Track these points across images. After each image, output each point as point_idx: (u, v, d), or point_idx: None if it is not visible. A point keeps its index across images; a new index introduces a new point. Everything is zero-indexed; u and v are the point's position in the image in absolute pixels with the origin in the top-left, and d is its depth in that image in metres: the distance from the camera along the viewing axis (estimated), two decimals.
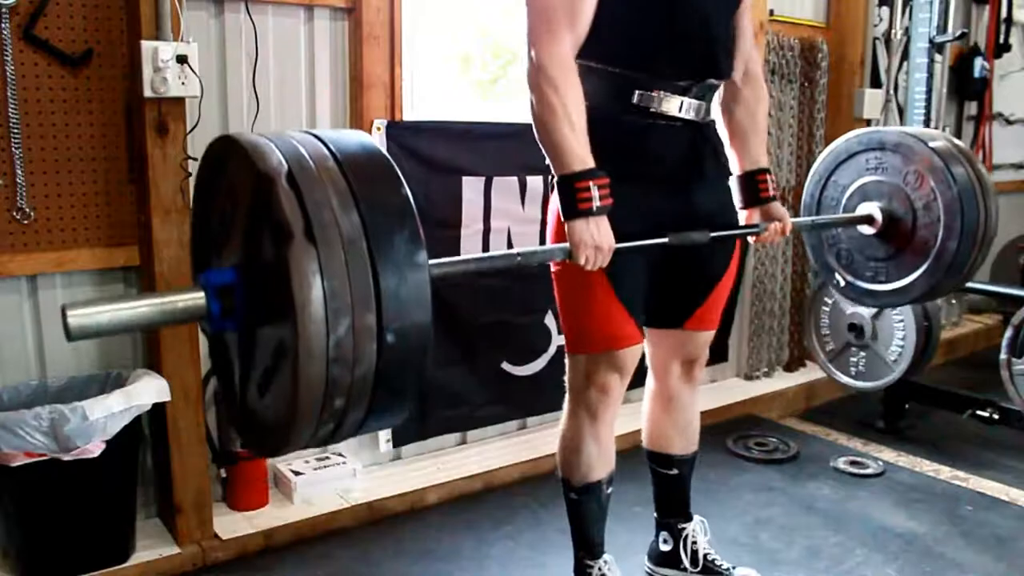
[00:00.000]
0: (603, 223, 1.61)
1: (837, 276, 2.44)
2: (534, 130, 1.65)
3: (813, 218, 2.31)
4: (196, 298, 1.19)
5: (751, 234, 1.95)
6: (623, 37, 1.69)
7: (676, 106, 1.75)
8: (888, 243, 2.31)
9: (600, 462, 1.94)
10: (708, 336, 2.03)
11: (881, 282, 2.36)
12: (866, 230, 2.31)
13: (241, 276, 1.21)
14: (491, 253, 1.59)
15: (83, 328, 1.10)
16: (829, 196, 2.41)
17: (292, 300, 1.07)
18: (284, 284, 1.08)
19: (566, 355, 1.91)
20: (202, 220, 1.37)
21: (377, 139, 2.51)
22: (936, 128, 3.86)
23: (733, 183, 1.99)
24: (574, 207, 1.60)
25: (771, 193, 1.99)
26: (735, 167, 1.99)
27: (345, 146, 1.19)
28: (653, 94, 1.73)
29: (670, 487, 2.13)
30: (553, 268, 1.86)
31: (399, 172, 1.19)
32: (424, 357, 1.19)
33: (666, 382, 2.07)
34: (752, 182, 1.98)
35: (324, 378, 1.10)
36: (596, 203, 1.60)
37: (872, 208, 2.30)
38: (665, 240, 1.73)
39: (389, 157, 1.22)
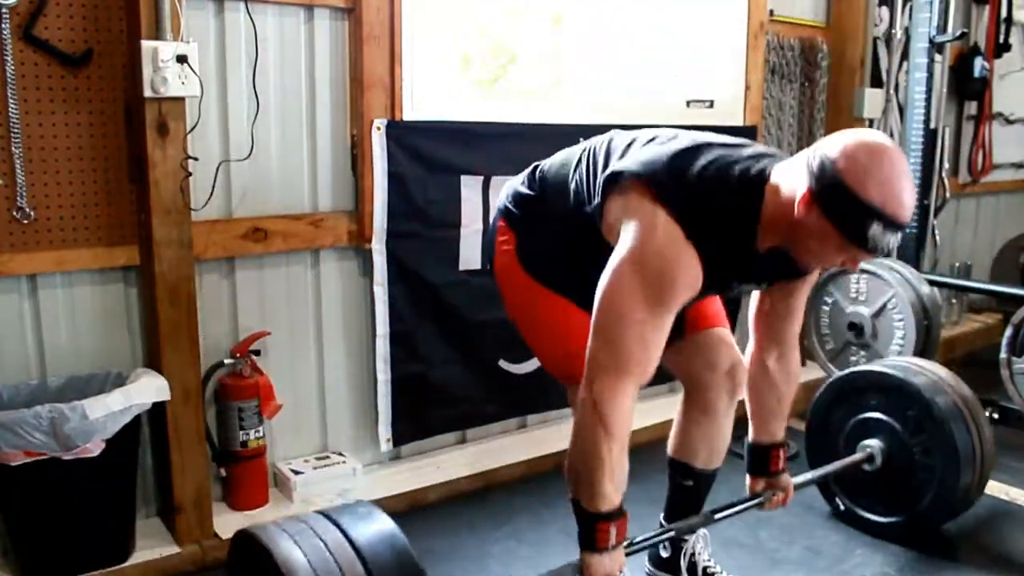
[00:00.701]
0: (617, 553, 1.64)
1: (838, 500, 2.54)
2: (570, 445, 1.63)
3: (814, 473, 2.36)
4: None
5: (753, 507, 2.03)
6: None
7: None
8: (885, 480, 2.41)
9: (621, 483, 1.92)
10: (721, 333, 1.98)
11: (875, 513, 2.47)
12: (866, 467, 2.41)
13: None
14: None
15: None
16: (836, 417, 2.54)
17: None
18: None
19: (568, 389, 1.85)
20: None
21: (377, 139, 2.51)
22: (936, 127, 3.86)
23: (745, 448, 2.06)
24: (592, 544, 1.62)
25: (781, 467, 2.04)
26: (750, 432, 2.05)
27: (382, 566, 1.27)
28: None
29: (683, 497, 2.11)
30: (511, 315, 1.91)
31: None
32: None
33: (702, 395, 2.01)
34: (765, 455, 2.04)
35: None
36: (612, 541, 1.62)
37: (874, 446, 2.42)
38: (672, 532, 1.91)
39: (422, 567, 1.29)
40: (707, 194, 1.55)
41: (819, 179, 1.47)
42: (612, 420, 1.56)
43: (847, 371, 2.61)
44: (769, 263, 1.67)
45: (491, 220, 1.98)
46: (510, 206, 1.91)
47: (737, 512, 2.02)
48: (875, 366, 2.54)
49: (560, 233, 1.81)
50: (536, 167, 1.93)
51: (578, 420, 1.61)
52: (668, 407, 2.17)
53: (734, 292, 1.83)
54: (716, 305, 2.00)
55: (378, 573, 1.22)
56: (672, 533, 1.93)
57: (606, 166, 1.71)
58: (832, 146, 1.48)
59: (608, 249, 1.61)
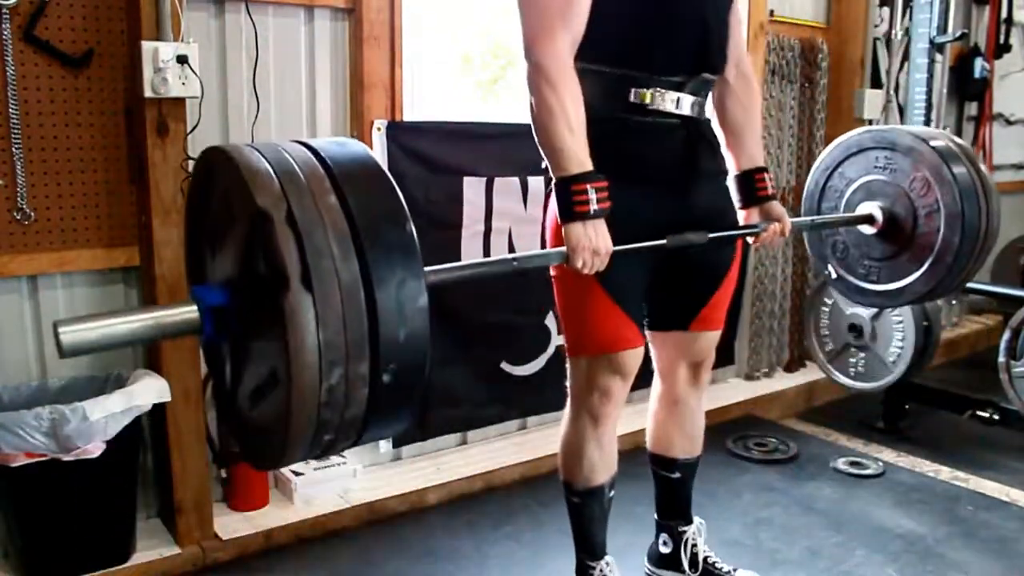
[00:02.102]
0: (600, 226, 1.60)
1: (830, 267, 2.42)
2: (533, 132, 1.64)
3: (813, 218, 2.29)
4: (189, 312, 1.17)
5: (750, 234, 1.94)
6: (616, 35, 1.68)
7: (673, 102, 1.75)
8: (885, 244, 2.30)
9: (602, 466, 1.94)
10: (714, 337, 2.01)
11: (873, 281, 2.34)
12: (866, 229, 2.29)
13: (235, 302, 1.20)
14: (487, 259, 1.57)
15: (75, 345, 1.09)
16: (833, 187, 2.39)
17: (286, 347, 1.06)
18: (279, 328, 1.07)
19: (567, 359, 1.91)
20: (196, 227, 1.35)
21: (377, 139, 2.51)
22: (937, 128, 3.86)
23: (731, 182, 1.98)
24: (571, 210, 1.59)
25: (769, 191, 1.97)
26: (732, 167, 1.98)
27: (347, 169, 1.16)
28: (649, 91, 1.73)
29: (671, 490, 2.13)
30: (552, 272, 1.86)
31: (403, 201, 1.17)
32: (420, 389, 1.21)
33: (673, 385, 2.06)
34: (750, 181, 1.97)
35: (315, 420, 1.11)
36: (593, 206, 1.58)
37: (874, 208, 2.28)
38: (663, 242, 1.71)
39: (393, 182, 1.19)
40: None
41: None
42: (555, 74, 1.58)
43: (847, 136, 2.43)
44: None
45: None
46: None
47: (735, 236, 1.93)
48: (889, 127, 2.42)
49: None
50: None
51: (530, 94, 1.61)
52: (637, 417, 2.18)
53: None
54: (724, 309, 2.00)
55: (346, 186, 1.13)
56: (664, 242, 1.74)
57: None
58: None
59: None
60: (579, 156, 1.59)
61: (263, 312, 1.12)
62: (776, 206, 1.98)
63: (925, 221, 2.23)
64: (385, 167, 2.67)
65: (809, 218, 2.30)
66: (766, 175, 1.98)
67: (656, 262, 1.82)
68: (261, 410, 1.22)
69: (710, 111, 1.96)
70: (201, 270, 1.34)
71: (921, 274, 2.24)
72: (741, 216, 1.98)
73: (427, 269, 1.21)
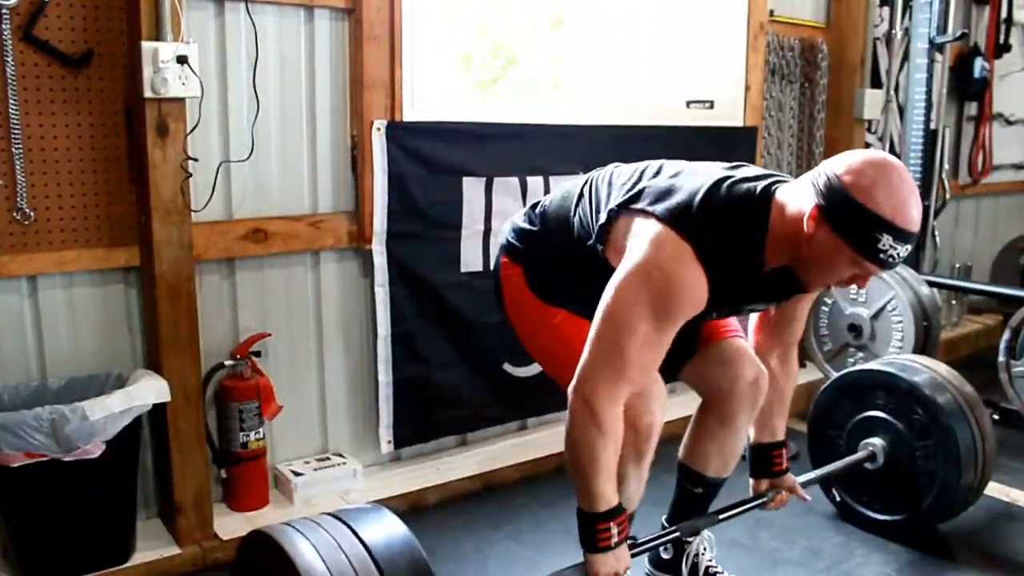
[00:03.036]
0: (622, 552, 1.65)
1: (834, 491, 2.55)
2: (565, 450, 1.64)
3: (818, 472, 2.38)
4: None
5: (758, 506, 2.04)
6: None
7: None
8: (886, 479, 2.42)
9: (638, 494, 1.92)
10: (740, 344, 1.95)
11: (875, 510, 2.47)
12: (867, 466, 2.42)
13: None
14: None
15: None
16: (838, 415, 2.54)
17: None
18: None
19: None
20: None
21: (377, 139, 2.51)
22: (936, 128, 3.86)
23: (747, 450, 2.06)
24: (595, 545, 1.63)
25: (784, 467, 2.05)
26: (751, 435, 2.04)
27: (394, 564, 1.33)
28: None
29: (690, 503, 2.09)
30: (529, 345, 1.93)
31: None
32: None
33: (726, 404, 1.96)
34: (767, 455, 2.04)
35: None
36: (615, 539, 1.63)
37: (876, 445, 2.42)
38: (677, 534, 1.89)
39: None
40: (714, 217, 1.57)
41: (826, 195, 1.48)
42: (607, 422, 1.58)
43: (849, 370, 2.62)
44: (776, 283, 1.67)
45: (493, 263, 2.01)
46: (512, 241, 1.93)
47: (741, 512, 2.03)
48: (877, 365, 2.54)
49: (565, 262, 1.82)
50: (536, 204, 1.96)
51: (572, 424, 1.61)
52: (669, 407, 2.16)
53: (743, 312, 1.85)
54: (725, 323, 1.99)
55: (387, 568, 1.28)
56: (677, 534, 1.92)
57: (608, 199, 1.72)
58: (837, 164, 1.51)
59: (612, 271, 1.62)
60: (608, 497, 1.62)
61: None
62: (788, 478, 2.07)
63: (924, 462, 2.36)
64: (385, 168, 2.69)
65: (815, 472, 2.37)
66: (784, 451, 2.05)
67: None
68: None
69: None
70: None
71: (926, 507, 2.37)
72: (750, 483, 2.08)
73: None
